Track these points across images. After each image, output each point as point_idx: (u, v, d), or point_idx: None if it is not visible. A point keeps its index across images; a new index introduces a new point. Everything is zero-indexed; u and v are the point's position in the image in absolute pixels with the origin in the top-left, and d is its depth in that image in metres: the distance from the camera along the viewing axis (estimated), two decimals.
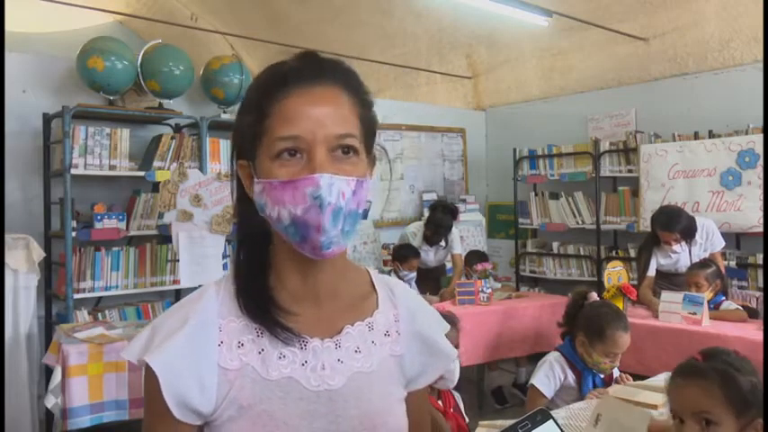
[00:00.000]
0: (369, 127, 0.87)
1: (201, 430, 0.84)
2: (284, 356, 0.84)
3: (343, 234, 0.82)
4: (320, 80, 0.82)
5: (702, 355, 1.39)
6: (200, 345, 0.82)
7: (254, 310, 0.84)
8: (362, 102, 0.87)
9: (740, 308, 3.71)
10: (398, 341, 0.92)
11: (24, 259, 3.40)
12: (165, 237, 3.94)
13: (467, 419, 2.64)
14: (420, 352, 0.95)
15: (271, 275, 0.88)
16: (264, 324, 0.84)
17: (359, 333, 0.89)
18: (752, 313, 3.79)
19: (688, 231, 3.84)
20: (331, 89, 0.83)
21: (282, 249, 0.87)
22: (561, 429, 0.80)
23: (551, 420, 0.79)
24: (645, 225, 4.71)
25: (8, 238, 3.33)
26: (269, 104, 0.81)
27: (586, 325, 2.52)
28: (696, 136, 4.71)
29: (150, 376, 0.80)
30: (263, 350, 0.83)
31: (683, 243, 3.86)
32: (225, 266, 4.05)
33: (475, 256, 4.89)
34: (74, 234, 3.65)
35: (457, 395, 2.65)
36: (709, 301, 3.52)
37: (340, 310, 0.90)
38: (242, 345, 0.83)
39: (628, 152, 5.13)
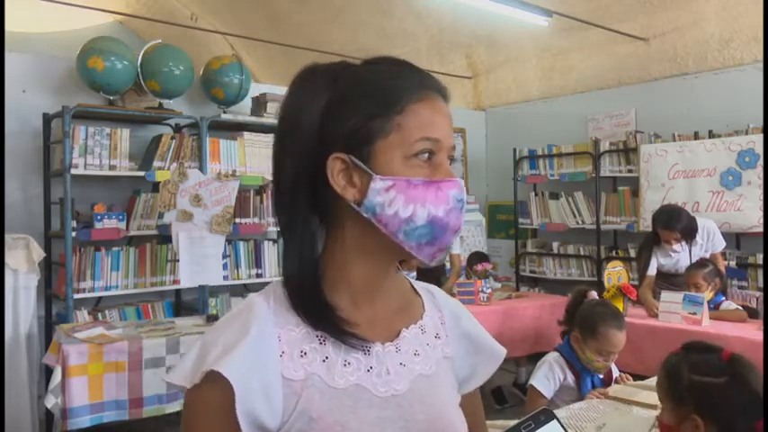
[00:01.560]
0: None
1: None
2: (349, 363, 0.81)
3: None
4: (438, 91, 0.85)
5: (681, 347, 1.55)
6: (264, 355, 0.77)
7: (316, 317, 0.81)
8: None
9: (740, 308, 3.72)
10: (448, 343, 0.92)
11: (24, 259, 3.40)
12: (165, 237, 3.94)
13: None
14: (468, 352, 0.94)
15: (324, 279, 0.84)
16: (329, 331, 0.81)
17: (414, 336, 0.88)
18: (752, 313, 3.79)
19: (689, 230, 3.84)
20: (443, 101, 0.85)
21: (354, 252, 0.84)
22: (565, 429, 0.80)
23: (555, 420, 0.79)
24: (645, 225, 4.72)
25: (8, 238, 3.33)
26: (406, 102, 0.81)
27: (581, 322, 2.53)
28: (696, 136, 4.71)
29: (213, 392, 0.74)
30: (327, 358, 0.80)
31: (684, 242, 3.87)
32: (225, 266, 4.06)
33: (476, 257, 4.90)
34: (74, 234, 3.64)
35: None
36: (708, 302, 3.53)
37: (393, 314, 0.89)
38: (305, 354, 0.80)
39: (628, 152, 5.13)
